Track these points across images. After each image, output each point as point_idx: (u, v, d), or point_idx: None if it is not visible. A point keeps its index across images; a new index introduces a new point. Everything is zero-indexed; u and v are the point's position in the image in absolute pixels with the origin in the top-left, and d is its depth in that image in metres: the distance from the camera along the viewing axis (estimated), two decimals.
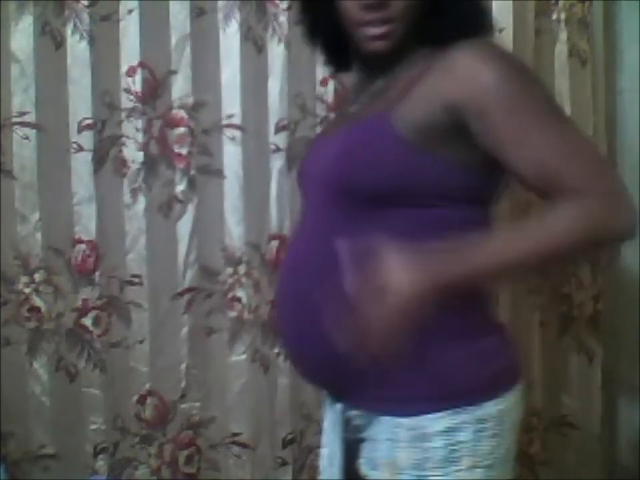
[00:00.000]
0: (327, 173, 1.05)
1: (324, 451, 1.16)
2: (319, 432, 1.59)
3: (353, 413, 1.08)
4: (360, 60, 1.15)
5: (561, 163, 0.95)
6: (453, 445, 0.98)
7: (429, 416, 0.98)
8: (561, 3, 1.65)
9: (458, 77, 0.96)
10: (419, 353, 0.95)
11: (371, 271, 0.88)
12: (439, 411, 0.98)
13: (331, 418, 1.14)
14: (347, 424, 1.10)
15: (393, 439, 1.01)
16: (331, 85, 1.55)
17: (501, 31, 1.58)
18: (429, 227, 0.99)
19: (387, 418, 1.02)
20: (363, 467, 1.07)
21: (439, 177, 0.99)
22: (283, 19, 1.52)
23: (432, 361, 0.99)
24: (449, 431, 0.98)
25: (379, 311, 0.88)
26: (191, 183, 1.52)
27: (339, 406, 1.10)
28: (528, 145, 0.95)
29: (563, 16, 1.66)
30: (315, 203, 1.09)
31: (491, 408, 0.99)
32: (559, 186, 0.94)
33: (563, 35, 1.66)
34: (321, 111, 1.56)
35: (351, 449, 1.10)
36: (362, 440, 1.09)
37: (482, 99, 0.95)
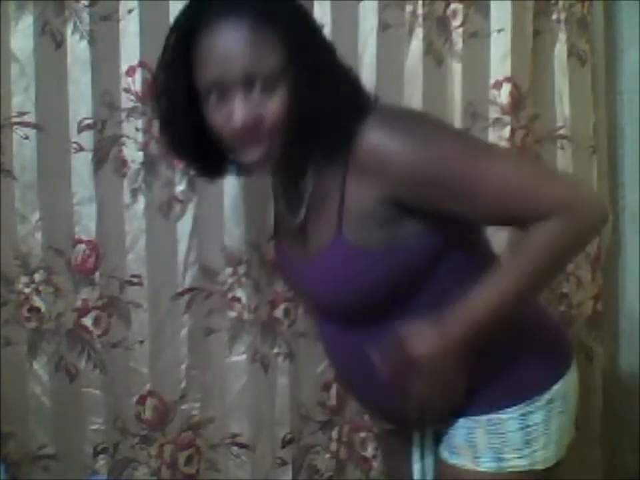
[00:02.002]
0: (327, 304, 1.10)
1: (417, 466, 1.23)
2: (317, 431, 1.63)
3: None
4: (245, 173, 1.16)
5: (516, 197, 0.98)
6: (527, 427, 1.08)
7: (508, 409, 1.08)
8: (560, 3, 1.65)
9: (379, 172, 0.97)
10: (490, 370, 1.06)
11: (397, 353, 1.00)
12: (514, 405, 1.07)
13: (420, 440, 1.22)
14: None
15: (471, 427, 1.09)
16: None
17: (499, 32, 1.58)
18: (446, 288, 1.03)
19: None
20: (443, 452, 1.14)
21: (417, 255, 1.02)
22: None
23: (502, 373, 1.07)
24: (523, 416, 1.07)
25: (418, 379, 1.01)
26: (191, 183, 1.51)
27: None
28: (477, 198, 0.97)
29: (562, 16, 1.66)
30: (331, 321, 1.14)
31: (558, 389, 1.10)
32: (524, 216, 0.98)
33: (563, 35, 1.66)
34: None
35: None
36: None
37: (411, 182, 0.96)
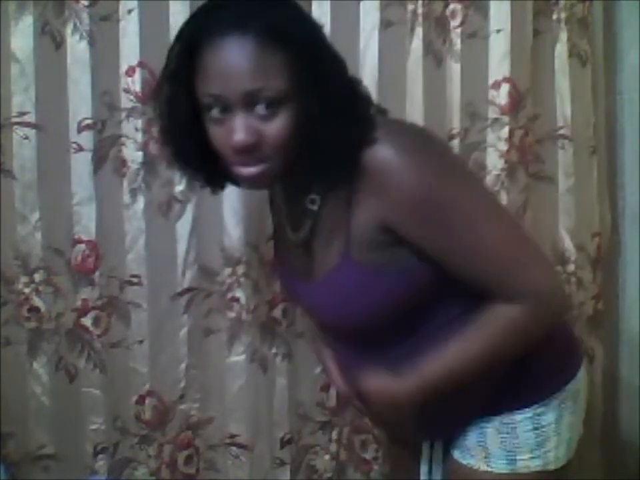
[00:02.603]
0: (342, 328, 1.10)
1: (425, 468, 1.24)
2: (316, 432, 1.63)
3: None
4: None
5: (491, 268, 0.98)
6: (539, 428, 1.08)
7: (519, 411, 1.08)
8: (561, 3, 1.65)
9: (381, 195, 0.95)
10: (502, 374, 1.06)
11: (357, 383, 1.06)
12: (526, 407, 1.08)
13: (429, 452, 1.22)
14: None
15: (483, 427, 1.10)
16: None
17: (498, 32, 1.58)
18: (453, 304, 1.04)
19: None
20: (455, 454, 1.15)
21: (426, 274, 1.00)
22: None
23: (516, 371, 1.07)
24: (535, 417, 1.08)
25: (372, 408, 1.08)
26: (191, 183, 1.50)
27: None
28: (454, 254, 0.97)
29: (563, 16, 1.65)
30: (341, 340, 1.15)
31: (568, 390, 1.11)
32: (491, 287, 0.99)
33: (563, 35, 1.65)
34: None
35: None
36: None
37: (402, 213, 0.95)
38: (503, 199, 1.58)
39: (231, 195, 1.51)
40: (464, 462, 1.13)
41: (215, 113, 0.95)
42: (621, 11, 1.74)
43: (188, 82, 0.96)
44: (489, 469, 1.10)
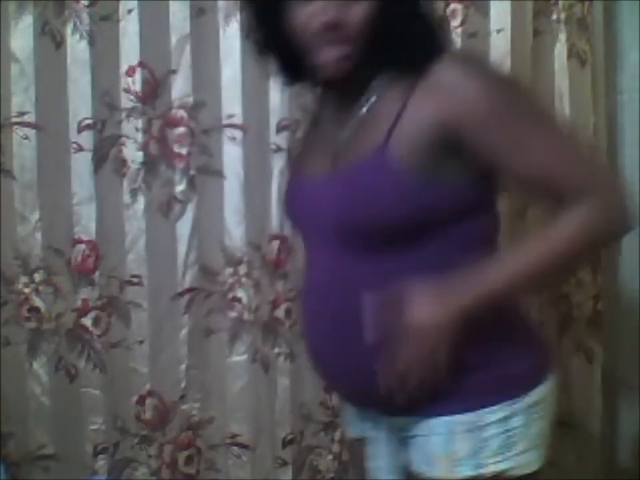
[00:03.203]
0: (336, 223, 1.04)
1: (377, 463, 1.19)
2: (318, 432, 1.63)
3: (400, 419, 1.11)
4: (319, 82, 1.12)
5: (559, 167, 0.98)
6: (508, 431, 1.04)
7: (486, 409, 1.03)
8: (560, 3, 1.65)
9: (444, 96, 0.96)
10: (473, 359, 1.03)
11: (394, 315, 0.97)
12: (495, 404, 1.04)
13: (378, 432, 1.17)
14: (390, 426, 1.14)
15: (449, 432, 1.04)
16: None
17: (498, 32, 1.58)
18: (455, 244, 1.02)
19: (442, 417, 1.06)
20: (416, 465, 1.09)
21: (452, 199, 1.00)
22: None
23: (485, 363, 1.04)
24: (504, 419, 1.03)
25: (407, 349, 0.98)
26: (191, 183, 1.52)
27: (385, 419, 1.13)
28: (522, 154, 0.97)
29: (562, 16, 1.66)
30: (333, 248, 1.07)
31: (538, 394, 1.07)
32: (560, 189, 0.98)
33: (563, 35, 1.66)
34: None
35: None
36: (407, 437, 1.11)
37: (471, 113, 0.96)
38: None
39: (232, 195, 1.52)
40: (428, 476, 1.06)
41: None
42: (620, 11, 1.75)
43: None
44: (456, 477, 1.03)
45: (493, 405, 1.03)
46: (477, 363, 1.03)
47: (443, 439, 1.04)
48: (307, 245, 1.17)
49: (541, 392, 1.08)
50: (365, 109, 1.05)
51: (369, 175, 1.00)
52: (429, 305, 0.97)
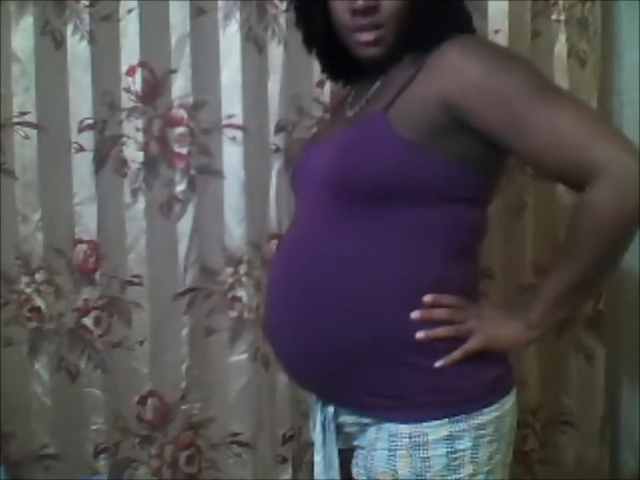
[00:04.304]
0: (325, 174, 1.05)
1: (318, 457, 1.13)
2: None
3: (346, 418, 1.08)
4: (354, 67, 1.16)
5: (570, 138, 0.93)
6: (453, 453, 0.98)
7: (430, 423, 0.98)
8: (560, 4, 1.65)
9: (447, 73, 0.98)
10: (422, 363, 0.99)
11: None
12: (439, 418, 0.98)
13: (322, 423, 1.11)
14: (338, 432, 1.10)
15: (392, 448, 1.00)
16: (327, 86, 1.54)
17: (496, 32, 1.58)
18: (432, 226, 1.01)
19: (385, 425, 1.02)
20: (359, 476, 1.06)
21: (440, 175, 1.00)
22: (282, 20, 1.52)
23: (433, 370, 0.99)
24: (449, 438, 0.98)
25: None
26: (191, 183, 1.52)
27: (331, 409, 1.08)
28: (530, 130, 0.95)
29: (562, 16, 1.66)
30: (315, 205, 1.08)
31: (489, 414, 1.00)
32: (570, 168, 0.94)
33: (563, 36, 1.66)
34: (317, 112, 1.55)
35: (342, 455, 1.10)
36: (354, 447, 1.09)
37: (469, 90, 0.96)
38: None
39: (232, 195, 1.52)
40: None
41: None
42: (620, 11, 1.75)
43: None
44: None
45: (436, 419, 0.98)
46: (423, 374, 1.00)
47: (387, 455, 1.01)
48: (296, 209, 1.19)
49: (495, 412, 1.01)
50: (378, 83, 1.11)
51: (366, 133, 1.03)
52: (509, 334, 1.04)
